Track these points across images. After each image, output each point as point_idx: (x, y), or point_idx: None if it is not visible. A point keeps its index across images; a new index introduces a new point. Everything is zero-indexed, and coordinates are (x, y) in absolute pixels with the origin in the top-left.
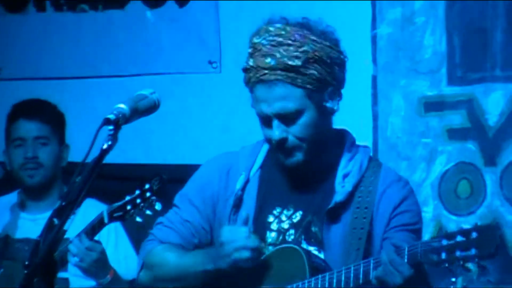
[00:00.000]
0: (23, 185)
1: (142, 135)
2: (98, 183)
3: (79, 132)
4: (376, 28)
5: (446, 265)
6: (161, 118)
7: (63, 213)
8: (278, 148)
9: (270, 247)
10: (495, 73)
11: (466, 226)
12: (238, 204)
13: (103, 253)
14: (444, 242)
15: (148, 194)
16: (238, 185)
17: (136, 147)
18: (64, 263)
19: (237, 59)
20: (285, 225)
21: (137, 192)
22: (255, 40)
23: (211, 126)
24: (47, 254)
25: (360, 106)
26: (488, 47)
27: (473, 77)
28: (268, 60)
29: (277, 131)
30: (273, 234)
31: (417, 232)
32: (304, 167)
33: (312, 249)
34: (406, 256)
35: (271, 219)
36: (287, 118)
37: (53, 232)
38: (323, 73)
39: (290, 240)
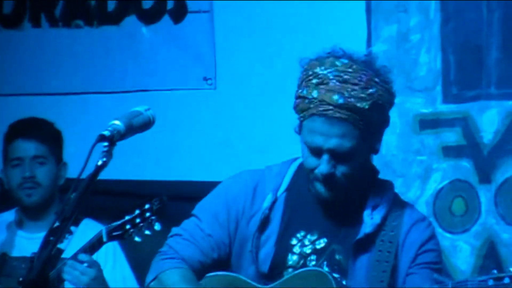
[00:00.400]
0: (21, 205)
1: (137, 152)
2: (94, 199)
3: (74, 148)
4: (371, 45)
5: None
6: (156, 134)
7: (58, 230)
8: (322, 181)
9: (290, 270)
10: (490, 91)
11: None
12: (264, 223)
13: (100, 271)
14: (491, 282)
15: (148, 214)
16: (266, 204)
17: (130, 164)
18: (60, 281)
19: (233, 76)
20: (308, 250)
21: (137, 211)
22: (320, 71)
23: (206, 142)
24: (41, 271)
25: None
26: (483, 65)
27: (468, 94)
28: (336, 97)
29: (327, 166)
30: (295, 257)
31: (439, 272)
32: (338, 200)
33: (336, 276)
34: None
35: (294, 242)
36: (339, 156)
37: (48, 249)
38: (381, 118)
39: (311, 265)
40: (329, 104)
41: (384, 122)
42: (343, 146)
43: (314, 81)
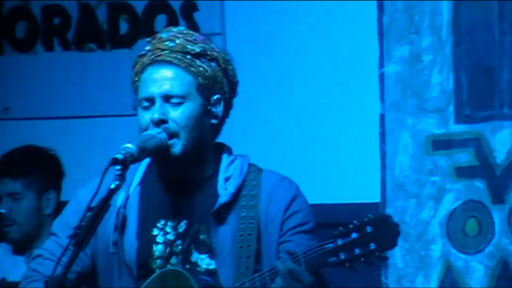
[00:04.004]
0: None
1: None
2: None
3: (84, 170)
4: (384, 66)
5: (347, 264)
6: None
7: (71, 253)
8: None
9: (159, 261)
10: (503, 111)
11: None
12: (122, 221)
13: None
14: (340, 241)
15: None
16: (119, 203)
17: None
18: None
19: (246, 97)
20: (171, 237)
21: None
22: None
23: None
24: None
25: (368, 145)
26: (495, 85)
27: (481, 115)
28: (167, 42)
29: (158, 111)
30: (160, 247)
31: (312, 232)
32: (185, 173)
33: (204, 257)
34: (303, 264)
35: (155, 232)
36: (171, 101)
37: (61, 272)
38: (218, 78)
39: (178, 251)
40: (161, 49)
41: (221, 88)
42: (173, 90)
43: (149, 40)
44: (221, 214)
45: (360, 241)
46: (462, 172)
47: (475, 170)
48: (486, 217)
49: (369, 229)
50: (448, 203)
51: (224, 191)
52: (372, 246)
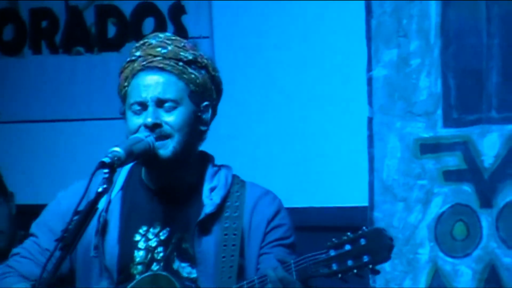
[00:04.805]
0: None
1: None
2: None
3: (72, 173)
4: (372, 70)
5: (339, 276)
6: None
7: (59, 256)
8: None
9: (139, 266)
10: (491, 115)
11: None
12: (104, 225)
13: None
14: (333, 252)
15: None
16: (101, 207)
17: None
18: None
19: (234, 101)
20: (153, 243)
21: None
22: (142, 41)
23: None
24: None
25: (356, 148)
26: (483, 89)
27: (469, 118)
28: (159, 49)
29: (152, 115)
30: (141, 253)
31: (292, 247)
32: (170, 180)
33: (185, 265)
34: (294, 273)
35: (137, 238)
36: (164, 106)
37: (49, 276)
38: (207, 84)
39: (159, 258)
40: (154, 56)
41: (210, 95)
42: (166, 95)
43: (137, 45)
44: (205, 224)
45: (353, 253)
46: (450, 176)
47: (463, 173)
48: (474, 221)
49: (363, 241)
50: (436, 206)
51: (210, 201)
52: (366, 258)
